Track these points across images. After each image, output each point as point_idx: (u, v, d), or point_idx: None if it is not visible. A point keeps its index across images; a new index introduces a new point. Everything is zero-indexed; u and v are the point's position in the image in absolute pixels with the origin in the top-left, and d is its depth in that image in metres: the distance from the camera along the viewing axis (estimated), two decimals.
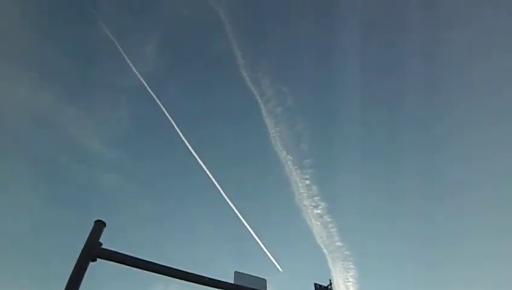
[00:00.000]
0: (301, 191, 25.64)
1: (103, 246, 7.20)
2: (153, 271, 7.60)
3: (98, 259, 7.01)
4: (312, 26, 31.18)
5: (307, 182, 25.77)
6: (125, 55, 26.05)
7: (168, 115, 24.19)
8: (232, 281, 8.71)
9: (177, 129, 23.84)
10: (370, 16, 29.68)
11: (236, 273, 8.91)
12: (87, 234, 7.20)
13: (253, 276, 9.10)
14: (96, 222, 7.43)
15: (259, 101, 27.05)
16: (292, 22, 31.72)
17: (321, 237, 24.62)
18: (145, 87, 25.47)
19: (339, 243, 24.62)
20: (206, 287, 8.17)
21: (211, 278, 8.39)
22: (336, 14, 29.74)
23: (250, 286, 8.86)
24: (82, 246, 6.99)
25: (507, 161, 26.62)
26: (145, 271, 7.46)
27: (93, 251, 7.04)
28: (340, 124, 30.24)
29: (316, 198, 25.46)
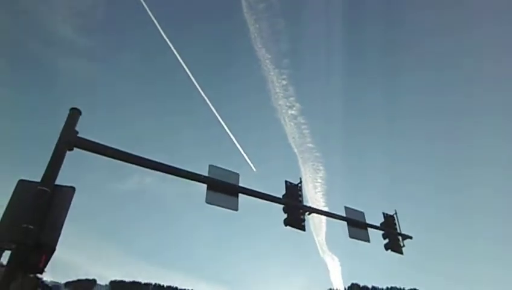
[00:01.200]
0: (277, 90, 25.10)
1: (79, 135, 7.28)
2: (130, 162, 7.88)
3: (75, 148, 7.15)
4: None
5: (284, 82, 24.92)
6: None
7: (147, 8, 21.32)
8: (207, 174, 9.18)
9: (156, 24, 21.33)
10: None
11: (210, 166, 9.33)
12: (63, 123, 7.19)
13: (227, 170, 9.56)
14: (71, 109, 7.33)
15: None
16: None
17: (293, 138, 25.06)
18: None
19: (310, 145, 25.03)
20: (181, 180, 8.64)
21: (186, 171, 8.81)
22: None
23: (223, 179, 9.39)
24: (58, 134, 7.04)
25: None
26: (121, 162, 7.73)
27: (69, 138, 7.11)
28: (325, 26, 27.64)
29: (291, 99, 25.20)
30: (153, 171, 8.11)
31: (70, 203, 6.54)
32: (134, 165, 7.94)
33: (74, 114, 7.33)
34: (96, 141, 7.46)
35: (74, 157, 7.04)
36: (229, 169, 9.59)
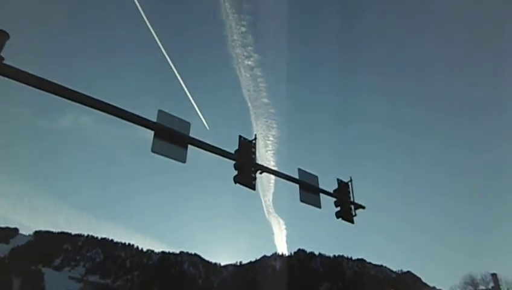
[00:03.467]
0: (235, 38, 23.09)
1: (5, 62, 6.50)
2: (65, 96, 7.19)
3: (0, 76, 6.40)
4: None
5: (243, 29, 23.01)
6: None
7: None
8: (155, 120, 8.63)
9: None
10: None
11: (160, 112, 8.76)
12: None
13: (178, 118, 9.03)
14: None
15: None
16: None
17: (248, 91, 23.19)
18: None
19: (265, 100, 23.56)
20: (122, 123, 8.05)
21: (132, 113, 8.22)
22: None
23: (173, 127, 8.87)
24: None
25: None
26: (54, 96, 7.03)
27: None
28: None
29: (249, 48, 23.14)
30: (90, 109, 7.46)
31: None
32: (68, 101, 7.25)
33: (0, 37, 6.52)
34: (24, 69, 6.69)
35: None
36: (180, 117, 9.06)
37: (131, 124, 8.25)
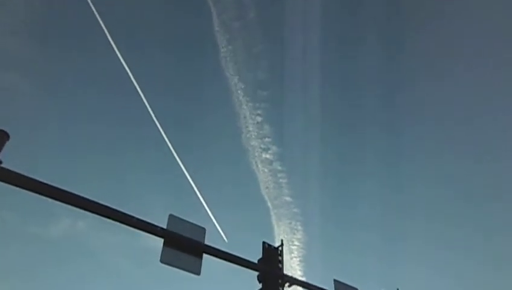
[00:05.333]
0: (250, 128, 21.77)
1: (2, 165, 6.01)
2: (63, 201, 6.46)
3: None
4: None
5: (259, 118, 21.81)
6: None
7: (95, 10, 20.05)
8: (165, 226, 7.65)
9: (106, 31, 20.06)
10: None
11: (171, 217, 7.83)
12: None
13: (190, 223, 8.03)
14: None
15: (212, 8, 22.21)
16: None
17: (267, 188, 21.32)
18: None
19: (287, 198, 21.34)
20: (128, 230, 7.10)
21: (138, 219, 7.31)
22: None
23: (186, 234, 7.83)
24: None
25: None
26: (51, 200, 6.33)
27: None
28: (312, 52, 24.75)
29: (266, 140, 21.73)
30: (88, 214, 6.63)
31: None
32: (66, 205, 6.49)
33: (0, 138, 6.15)
34: (23, 173, 6.14)
35: None
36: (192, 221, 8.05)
37: (137, 230, 7.29)
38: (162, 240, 7.48)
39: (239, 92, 21.97)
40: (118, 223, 7.00)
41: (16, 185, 6.10)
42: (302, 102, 23.33)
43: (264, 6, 22.65)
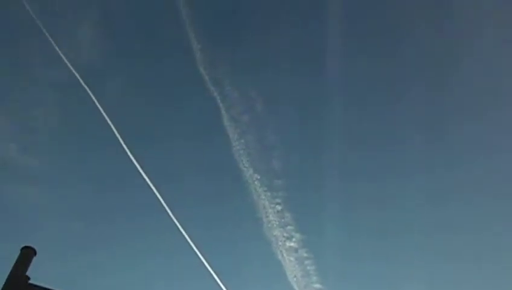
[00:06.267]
0: (271, 218, 21.68)
1: (30, 281, 5.72)
2: None
3: None
4: (292, 26, 27.04)
5: (279, 207, 21.66)
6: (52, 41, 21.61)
7: (106, 117, 20.84)
8: None
9: (117, 134, 20.55)
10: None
11: None
12: (10, 265, 5.70)
13: None
14: (23, 248, 5.92)
15: (221, 105, 23.08)
16: (267, 13, 27.04)
17: (295, 277, 20.88)
18: (79, 81, 21.52)
19: (317, 285, 20.81)
20: None
21: None
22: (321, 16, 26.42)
23: None
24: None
25: None
26: None
27: (18, 287, 5.56)
28: (322, 137, 25.89)
29: (289, 227, 21.54)
30: None
31: None
32: None
33: (27, 254, 5.90)
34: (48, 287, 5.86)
35: None
36: None
37: None
38: None
39: (255, 183, 21.84)
40: None
41: None
42: (319, 186, 24.05)
43: (271, 100, 24.42)
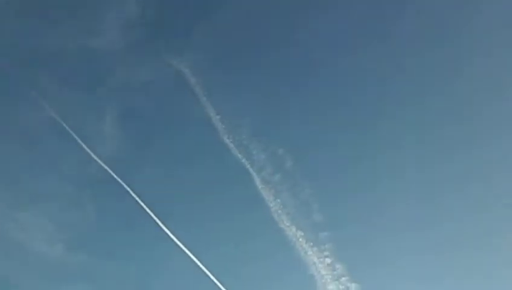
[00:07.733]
0: (323, 272, 20.78)
1: None
2: None
3: None
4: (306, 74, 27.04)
5: (328, 260, 21.06)
6: (77, 137, 22.50)
7: (141, 202, 20.90)
8: None
9: (156, 219, 20.71)
10: None
11: None
12: None
13: None
14: None
15: (250, 170, 22.88)
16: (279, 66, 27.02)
17: None
18: (109, 173, 21.82)
19: None
20: None
21: None
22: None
23: None
24: None
25: None
26: None
27: None
28: (355, 180, 25.17)
29: (343, 279, 20.60)
30: None
31: None
32: None
33: None
34: None
35: None
36: None
37: None
38: None
39: (300, 240, 21.59)
40: None
41: None
42: (365, 231, 23.20)
43: (299, 156, 23.70)
